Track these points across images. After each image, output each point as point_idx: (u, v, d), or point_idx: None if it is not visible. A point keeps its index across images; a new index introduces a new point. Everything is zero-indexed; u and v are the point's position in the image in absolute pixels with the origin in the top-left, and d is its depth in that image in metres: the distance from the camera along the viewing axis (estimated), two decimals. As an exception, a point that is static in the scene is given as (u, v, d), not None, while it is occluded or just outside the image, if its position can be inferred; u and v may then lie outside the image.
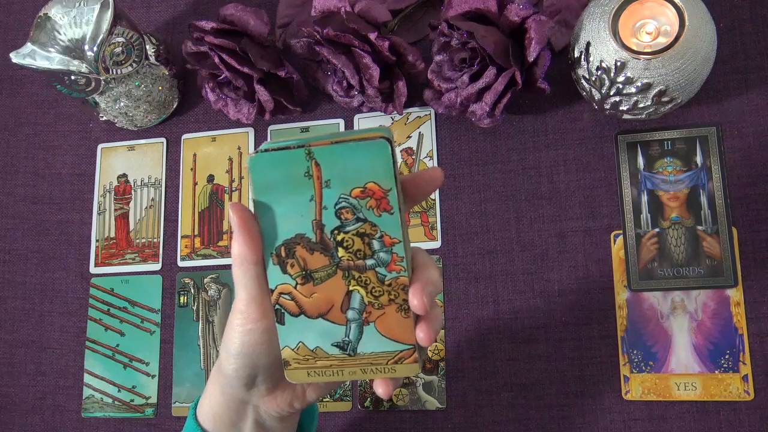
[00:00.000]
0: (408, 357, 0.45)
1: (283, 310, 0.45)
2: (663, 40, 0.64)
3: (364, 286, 0.44)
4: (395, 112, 0.76)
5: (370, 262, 0.43)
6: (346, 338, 0.45)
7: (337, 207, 0.42)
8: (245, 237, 0.43)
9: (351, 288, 0.44)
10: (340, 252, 0.43)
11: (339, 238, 0.43)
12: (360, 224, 0.43)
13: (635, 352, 0.69)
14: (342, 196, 0.42)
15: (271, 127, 0.81)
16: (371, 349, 0.45)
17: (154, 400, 0.77)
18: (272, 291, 0.45)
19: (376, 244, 0.43)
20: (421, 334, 0.44)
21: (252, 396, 0.50)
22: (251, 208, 0.44)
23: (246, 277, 0.44)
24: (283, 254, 0.43)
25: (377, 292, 0.44)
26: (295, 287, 0.44)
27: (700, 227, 0.70)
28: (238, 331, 0.46)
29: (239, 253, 0.44)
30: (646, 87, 0.64)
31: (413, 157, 0.78)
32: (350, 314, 0.44)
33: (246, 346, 0.46)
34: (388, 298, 0.44)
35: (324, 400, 0.74)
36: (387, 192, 0.42)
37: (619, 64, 0.63)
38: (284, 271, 0.44)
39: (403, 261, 0.43)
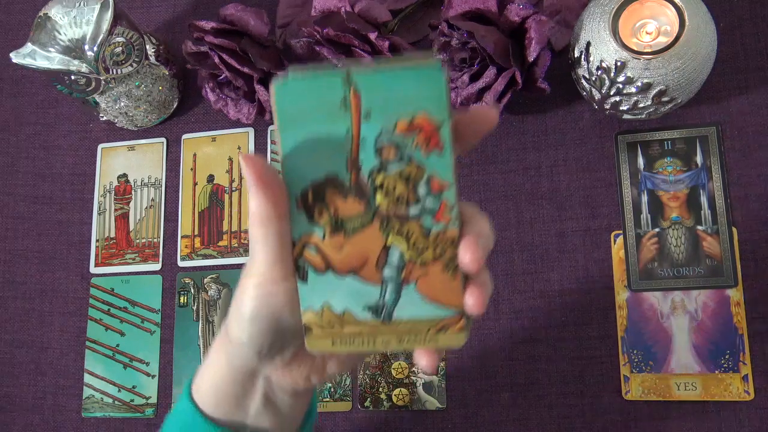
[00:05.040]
0: (454, 324, 0.38)
1: (306, 266, 0.38)
2: (663, 40, 0.64)
3: (405, 239, 0.37)
4: (395, 112, 0.76)
5: (414, 210, 0.37)
6: (381, 301, 0.38)
7: (377, 144, 0.36)
8: (265, 192, 0.37)
9: (389, 241, 0.37)
10: (378, 198, 0.37)
11: (378, 181, 0.36)
12: (404, 165, 0.36)
13: (635, 352, 0.69)
14: (384, 130, 0.35)
15: (271, 127, 0.81)
16: (410, 315, 0.38)
17: (154, 400, 0.77)
18: (295, 242, 0.38)
19: (422, 189, 0.36)
20: (471, 300, 0.37)
21: (264, 366, 0.43)
22: (277, 141, 0.37)
23: (269, 237, 0.37)
24: (309, 199, 0.37)
25: (421, 247, 0.37)
26: (323, 238, 0.37)
27: (700, 227, 0.70)
28: (254, 294, 0.39)
29: (259, 212, 0.37)
30: (646, 87, 0.64)
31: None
32: (387, 272, 0.38)
33: (264, 308, 0.39)
34: (433, 254, 0.37)
35: (324, 399, 0.74)
36: (439, 126, 0.35)
37: (619, 64, 0.63)
38: (310, 219, 0.37)
39: (453, 210, 0.36)
